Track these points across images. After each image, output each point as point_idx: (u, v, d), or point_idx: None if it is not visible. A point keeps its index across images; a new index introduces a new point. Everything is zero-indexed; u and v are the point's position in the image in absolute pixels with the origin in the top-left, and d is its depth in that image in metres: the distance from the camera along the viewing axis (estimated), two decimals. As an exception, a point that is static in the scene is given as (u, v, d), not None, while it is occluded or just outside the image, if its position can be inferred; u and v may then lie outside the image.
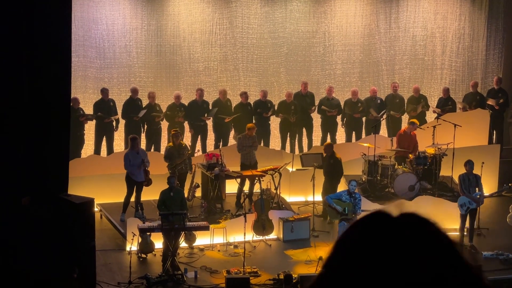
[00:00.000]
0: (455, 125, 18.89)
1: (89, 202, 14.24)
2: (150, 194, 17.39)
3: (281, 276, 14.44)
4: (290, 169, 19.38)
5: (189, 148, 18.86)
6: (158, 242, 15.67)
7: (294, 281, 14.20)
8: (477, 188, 16.72)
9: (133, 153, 17.62)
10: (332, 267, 1.87)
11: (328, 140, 21.19)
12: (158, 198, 16.06)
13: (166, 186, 16.11)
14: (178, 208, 15.62)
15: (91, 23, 21.27)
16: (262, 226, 16.89)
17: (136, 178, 17.49)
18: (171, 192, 15.82)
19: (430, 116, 21.80)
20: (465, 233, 16.73)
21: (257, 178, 18.08)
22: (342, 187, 18.01)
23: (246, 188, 18.83)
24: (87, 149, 20.35)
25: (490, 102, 21.44)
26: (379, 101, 21.52)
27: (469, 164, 16.75)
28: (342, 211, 15.60)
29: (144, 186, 17.58)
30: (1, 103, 12.60)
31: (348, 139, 21.51)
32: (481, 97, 21.77)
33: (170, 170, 17.95)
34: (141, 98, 20.56)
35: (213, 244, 16.65)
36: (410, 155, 19.23)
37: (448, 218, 17.45)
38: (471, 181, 16.70)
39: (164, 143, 20.16)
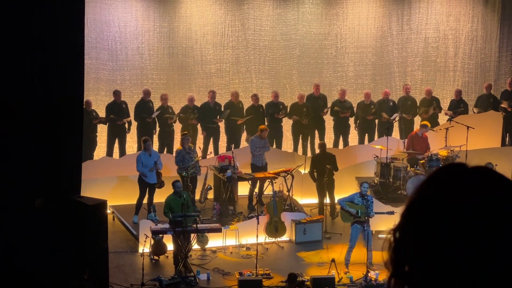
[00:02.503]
0: (468, 127, 18.85)
1: (102, 204, 14.24)
2: (163, 196, 17.37)
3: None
4: (302, 171, 19.36)
5: (197, 151, 18.82)
6: (171, 244, 15.67)
7: (298, 280, 14.19)
8: None
9: (146, 155, 17.65)
10: (411, 213, 1.88)
11: (340, 142, 21.24)
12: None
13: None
14: (186, 212, 15.58)
15: (103, 25, 21.33)
16: (274, 228, 16.89)
17: (149, 180, 17.51)
18: (179, 197, 15.76)
19: (443, 118, 21.74)
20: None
21: (269, 180, 18.07)
22: (354, 189, 17.97)
23: (257, 189, 18.86)
24: (99, 151, 20.39)
25: (504, 104, 21.36)
26: (391, 103, 21.48)
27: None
28: (355, 214, 15.57)
29: (156, 188, 17.60)
30: (14, 105, 12.63)
31: (361, 141, 21.48)
32: (494, 100, 21.69)
33: (182, 173, 17.92)
34: (153, 100, 20.59)
35: (225, 246, 16.65)
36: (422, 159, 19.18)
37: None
38: None
39: (177, 145, 20.18)
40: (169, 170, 18.49)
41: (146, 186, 17.55)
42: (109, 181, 18.46)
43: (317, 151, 19.10)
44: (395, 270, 1.88)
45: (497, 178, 1.87)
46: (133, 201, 17.62)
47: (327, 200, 18.23)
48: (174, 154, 19.16)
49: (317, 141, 21.64)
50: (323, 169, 18.06)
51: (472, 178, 1.86)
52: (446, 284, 1.79)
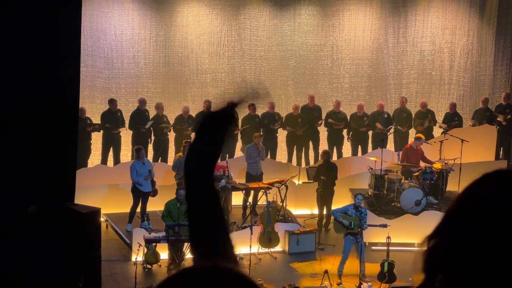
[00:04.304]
0: (462, 141, 18.88)
1: (96, 211, 14.21)
2: (156, 205, 17.38)
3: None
4: (296, 182, 19.37)
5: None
6: (163, 253, 15.66)
7: None
8: None
9: (139, 163, 17.63)
10: (455, 219, 1.80)
11: (334, 153, 21.24)
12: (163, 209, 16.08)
13: (172, 197, 16.07)
14: (183, 220, 15.62)
15: (99, 33, 21.33)
16: (268, 239, 16.87)
17: (143, 189, 17.49)
18: (179, 204, 15.79)
19: (437, 131, 21.77)
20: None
21: (263, 190, 18.08)
22: (348, 200, 17.98)
23: (250, 199, 18.87)
24: (94, 159, 20.36)
25: (499, 118, 21.41)
26: (386, 115, 21.51)
27: None
28: (348, 225, 15.57)
29: (150, 197, 17.59)
30: (10, 112, 12.62)
31: (354, 153, 21.50)
32: (491, 113, 21.74)
33: (177, 180, 17.94)
34: (148, 109, 20.58)
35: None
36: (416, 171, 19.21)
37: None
38: None
39: (171, 154, 20.17)
40: (165, 179, 18.49)
41: (140, 195, 17.53)
42: (103, 189, 18.43)
43: (320, 158, 19.17)
44: (427, 280, 1.81)
45: None
46: (127, 209, 17.59)
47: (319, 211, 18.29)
48: (169, 163, 19.17)
49: (311, 152, 21.69)
50: (326, 178, 18.13)
51: None
52: None
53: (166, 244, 15.47)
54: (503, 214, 1.71)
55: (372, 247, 17.00)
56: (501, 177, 1.81)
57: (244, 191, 18.51)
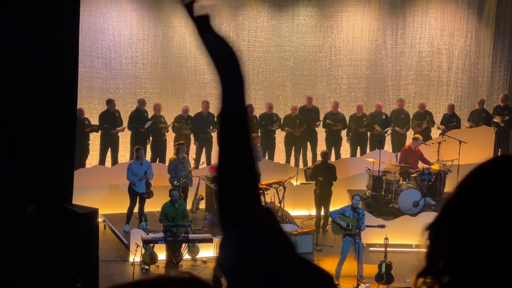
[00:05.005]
0: (460, 142, 18.88)
1: (93, 212, 14.18)
2: (154, 206, 17.35)
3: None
4: (294, 183, 19.35)
5: (190, 162, 18.80)
6: (161, 253, 15.64)
7: None
8: None
9: (137, 164, 17.62)
10: (457, 205, 1.80)
11: (333, 154, 21.22)
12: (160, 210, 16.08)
13: (166, 199, 16.05)
14: (181, 221, 15.62)
15: (98, 34, 21.30)
16: (265, 240, 16.84)
17: (138, 189, 17.48)
18: (175, 205, 15.78)
19: (435, 132, 21.76)
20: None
21: (261, 191, 18.06)
22: (346, 202, 17.97)
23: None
24: (92, 159, 20.34)
25: (496, 119, 21.42)
26: (384, 116, 21.49)
27: None
28: (346, 227, 15.57)
29: (145, 198, 17.58)
30: (7, 112, 12.61)
31: (353, 153, 21.48)
32: (487, 115, 21.75)
33: (173, 182, 17.91)
34: (146, 109, 20.57)
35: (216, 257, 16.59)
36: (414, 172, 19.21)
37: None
38: None
39: (169, 155, 20.14)
40: (162, 180, 18.46)
41: (136, 195, 17.52)
42: (100, 190, 18.41)
43: (319, 158, 19.17)
44: (428, 267, 1.80)
45: None
46: (125, 210, 17.58)
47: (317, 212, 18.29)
48: (167, 163, 19.15)
49: (309, 153, 21.66)
50: (323, 179, 18.13)
51: None
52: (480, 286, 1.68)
53: (164, 245, 15.47)
54: (505, 202, 1.69)
55: (370, 248, 16.99)
56: (505, 163, 1.80)
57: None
